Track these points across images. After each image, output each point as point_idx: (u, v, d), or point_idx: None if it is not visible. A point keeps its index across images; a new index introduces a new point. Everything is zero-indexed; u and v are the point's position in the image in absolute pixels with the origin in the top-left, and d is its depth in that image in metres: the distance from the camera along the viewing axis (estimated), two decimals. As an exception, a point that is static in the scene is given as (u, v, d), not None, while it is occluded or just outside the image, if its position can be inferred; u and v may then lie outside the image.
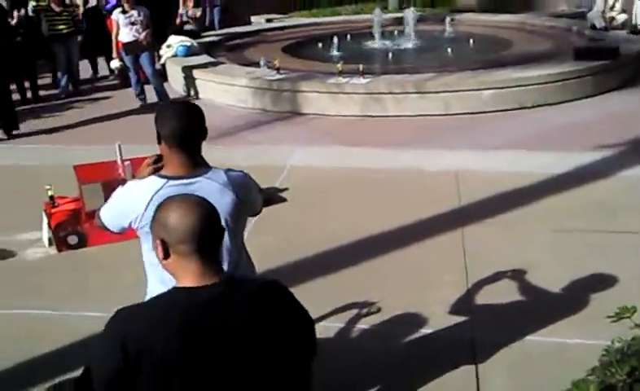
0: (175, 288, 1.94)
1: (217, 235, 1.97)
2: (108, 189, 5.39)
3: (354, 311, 4.19)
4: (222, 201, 2.51)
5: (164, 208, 1.94)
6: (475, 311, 4.18)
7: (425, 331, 4.00)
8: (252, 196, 2.69)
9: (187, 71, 10.03)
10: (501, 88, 8.64)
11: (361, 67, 8.97)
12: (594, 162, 6.59)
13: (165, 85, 9.96)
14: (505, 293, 4.34)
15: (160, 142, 2.56)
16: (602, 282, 4.38)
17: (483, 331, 3.96)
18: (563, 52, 10.17)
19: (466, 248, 4.98)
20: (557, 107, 8.65)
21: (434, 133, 7.82)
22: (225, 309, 1.85)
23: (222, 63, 10.51)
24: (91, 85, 11.26)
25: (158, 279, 2.61)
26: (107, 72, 11.42)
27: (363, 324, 4.08)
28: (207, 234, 1.89)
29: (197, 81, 9.88)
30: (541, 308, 4.15)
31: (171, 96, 9.71)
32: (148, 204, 2.47)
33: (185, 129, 2.52)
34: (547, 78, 8.79)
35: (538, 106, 8.64)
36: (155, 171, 2.60)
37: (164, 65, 10.80)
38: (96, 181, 5.38)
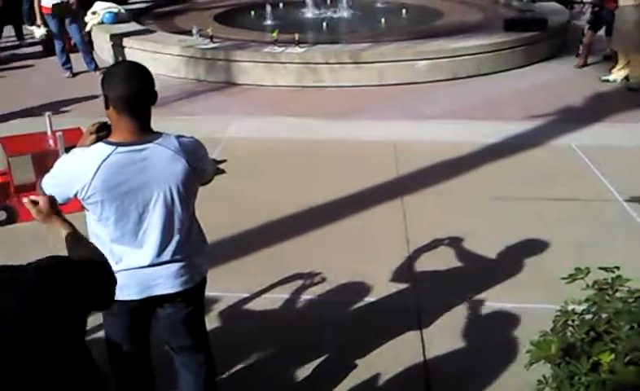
0: None
1: None
2: (38, 161, 5.15)
3: (298, 282, 4.16)
4: (174, 168, 2.43)
5: None
6: (418, 278, 4.22)
7: (370, 298, 4.01)
8: (204, 163, 2.59)
9: (115, 39, 9.62)
10: (436, 58, 8.70)
11: (296, 36, 8.84)
12: (528, 131, 6.75)
13: (93, 54, 9.57)
14: (445, 260, 4.40)
15: (107, 107, 2.41)
16: (539, 248, 4.50)
17: (426, 296, 4.00)
18: (493, 23, 10.32)
19: (407, 217, 5.01)
20: (490, 77, 8.79)
21: (370, 104, 7.81)
22: None
23: (152, 31, 10.14)
24: (11, 53, 10.67)
25: (104, 252, 2.49)
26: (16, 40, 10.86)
27: (308, 294, 4.06)
28: None
29: (126, 50, 9.50)
30: (482, 273, 4.23)
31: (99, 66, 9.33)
32: (96, 172, 2.34)
33: (135, 92, 2.37)
34: (480, 49, 8.91)
35: (472, 76, 8.76)
36: (99, 140, 2.46)
37: (89, 33, 10.34)
38: (25, 152, 5.09)
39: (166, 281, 2.53)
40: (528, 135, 6.63)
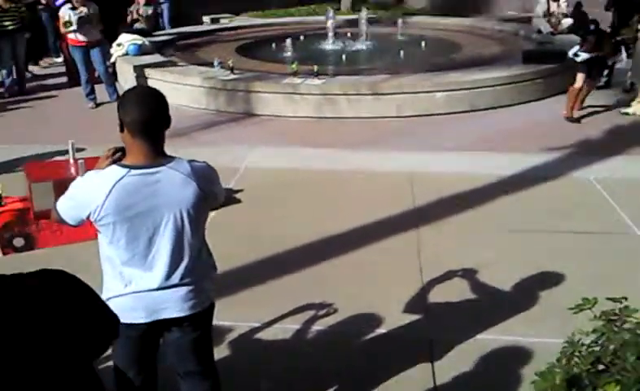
0: None
1: None
2: (60, 189, 5.22)
3: (311, 312, 4.15)
4: (185, 192, 2.47)
5: None
6: (431, 311, 4.19)
7: (382, 330, 3.99)
8: (215, 188, 2.63)
9: (138, 70, 9.82)
10: (454, 90, 8.74)
11: (315, 67, 8.95)
12: (546, 163, 6.72)
13: (116, 85, 9.77)
14: (460, 293, 4.37)
15: (122, 130, 2.47)
16: (555, 281, 4.46)
17: (439, 330, 3.97)
18: (512, 56, 10.35)
19: (421, 249, 4.99)
20: (508, 109, 8.81)
21: (388, 135, 7.85)
22: None
23: (175, 62, 10.34)
24: (37, 84, 10.92)
25: (115, 275, 2.52)
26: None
27: (320, 325, 4.05)
28: None
29: (149, 81, 9.67)
30: (496, 307, 4.19)
31: (121, 96, 9.50)
32: (108, 194, 2.38)
33: (149, 116, 2.43)
34: (498, 81, 8.94)
35: (490, 108, 8.78)
36: (114, 163, 2.51)
37: (114, 64, 10.56)
38: (47, 179, 5.18)
39: (174, 305, 2.55)
40: (545, 168, 6.60)
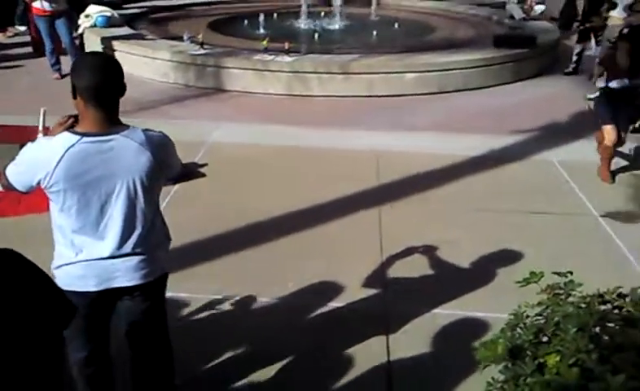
0: None
1: None
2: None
3: (269, 285, 4.15)
4: (138, 161, 2.43)
5: None
6: (389, 285, 4.22)
7: (339, 304, 4.01)
8: (171, 159, 2.60)
9: (106, 42, 9.65)
10: (424, 72, 8.75)
11: (287, 45, 8.88)
12: (511, 145, 6.77)
13: (83, 56, 9.60)
14: (418, 268, 4.40)
15: (75, 97, 2.41)
16: (515, 259, 4.51)
17: (395, 304, 4.01)
18: (484, 39, 10.40)
19: (383, 225, 5.01)
20: (477, 92, 8.85)
21: (357, 114, 7.84)
22: None
23: (144, 35, 10.18)
24: (2, 53, 10.67)
25: (66, 243, 2.49)
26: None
27: (277, 298, 4.05)
28: None
29: (117, 53, 9.48)
30: (454, 283, 4.23)
31: (88, 68, 9.35)
32: (59, 160, 2.33)
33: (102, 82, 2.38)
34: (468, 64, 8.97)
35: (459, 90, 8.81)
36: (68, 130, 2.46)
37: (81, 35, 10.36)
38: (14, 142, 5.09)
39: (126, 273, 2.52)
40: (510, 149, 6.66)
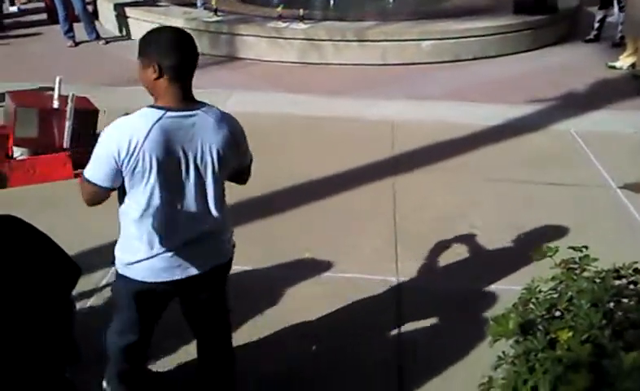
0: None
1: None
2: (44, 119, 5.19)
3: (281, 255, 4.15)
4: (218, 136, 2.37)
5: None
6: (402, 256, 4.19)
7: (352, 275, 3.99)
8: (245, 143, 2.55)
9: (119, 9, 9.59)
10: (441, 39, 8.61)
11: (301, 11, 8.76)
12: (529, 115, 6.67)
13: (96, 24, 9.55)
14: (432, 239, 4.36)
15: (160, 75, 2.29)
16: (529, 231, 4.46)
17: (407, 275, 3.98)
18: (503, 5, 10.17)
19: (397, 194, 4.98)
20: (495, 60, 8.70)
21: (372, 83, 7.75)
22: None
23: (157, 2, 10.08)
24: (15, 20, 10.64)
25: (140, 235, 2.43)
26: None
27: (289, 268, 4.04)
28: None
29: (129, 20, 9.47)
30: (467, 254, 4.20)
31: (102, 35, 9.31)
32: (147, 134, 2.25)
33: (188, 60, 2.33)
34: (486, 31, 8.81)
35: (477, 59, 8.67)
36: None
37: (95, 2, 10.30)
38: (32, 107, 5.10)
39: (207, 257, 2.51)
40: (528, 119, 6.56)
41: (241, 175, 2.65)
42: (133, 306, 2.54)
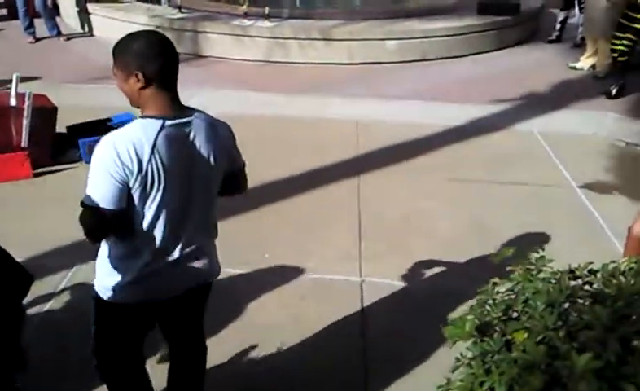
0: None
1: None
2: (0, 117, 5.07)
3: (244, 256, 4.10)
4: (213, 141, 2.27)
5: None
6: (365, 256, 4.19)
7: (315, 275, 3.98)
8: (235, 147, 2.45)
9: (81, 5, 9.43)
10: (406, 39, 8.65)
11: (267, 10, 8.72)
12: (492, 115, 6.73)
13: (57, 19, 9.36)
14: (395, 239, 4.37)
15: (147, 83, 2.12)
16: (490, 230, 4.49)
17: (370, 274, 3.98)
18: (467, 6, 10.26)
19: (362, 194, 4.98)
20: (460, 60, 8.77)
21: (337, 82, 7.75)
22: None
23: (120, -2, 9.95)
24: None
25: (134, 251, 2.26)
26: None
27: (250, 269, 4.01)
28: None
29: (92, 16, 9.32)
30: (428, 254, 4.19)
31: (63, 32, 9.14)
32: (154, 145, 2.09)
33: (173, 63, 2.18)
34: (451, 31, 8.88)
35: (441, 58, 8.73)
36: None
37: (56, -2, 10.10)
38: None
39: (198, 272, 2.40)
40: (491, 119, 6.62)
41: (237, 180, 2.52)
42: (121, 329, 2.40)
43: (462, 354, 2.05)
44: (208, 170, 2.27)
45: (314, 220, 4.62)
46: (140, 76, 2.12)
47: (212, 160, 2.27)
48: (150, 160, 2.08)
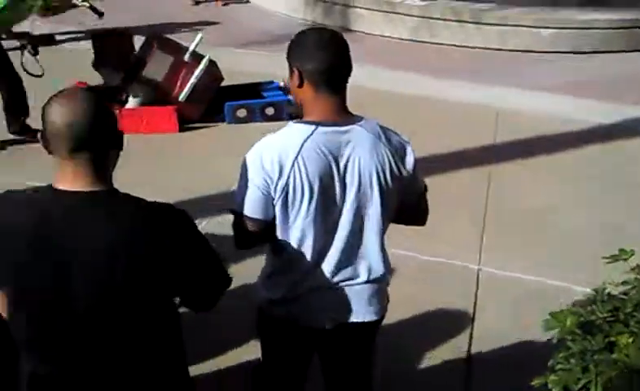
0: None
1: None
2: (173, 69, 5.47)
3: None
4: (377, 156, 2.02)
5: None
6: (486, 246, 4.18)
7: (434, 258, 4.01)
8: (413, 169, 2.12)
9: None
10: (560, 28, 8.26)
11: (419, -13, 8.67)
12: (645, 116, 6.33)
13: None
14: (519, 233, 4.32)
15: (301, 84, 1.99)
16: (619, 233, 4.26)
17: (489, 264, 3.98)
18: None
19: (491, 185, 4.93)
20: (617, 55, 8.22)
21: (483, 67, 7.59)
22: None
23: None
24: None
25: (287, 267, 2.12)
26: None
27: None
28: None
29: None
30: (553, 251, 4.12)
31: None
32: (298, 153, 1.93)
33: (336, 62, 1.98)
34: (610, 24, 8.35)
35: (597, 52, 8.24)
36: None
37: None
38: (169, 54, 5.53)
39: (359, 304, 2.13)
40: (640, 121, 6.23)
41: (412, 209, 2.23)
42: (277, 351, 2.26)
43: (560, 351, 2.03)
44: (368, 188, 2.02)
45: (441, 205, 4.59)
46: (297, 72, 1.99)
47: (374, 177, 2.01)
48: (292, 166, 1.93)
